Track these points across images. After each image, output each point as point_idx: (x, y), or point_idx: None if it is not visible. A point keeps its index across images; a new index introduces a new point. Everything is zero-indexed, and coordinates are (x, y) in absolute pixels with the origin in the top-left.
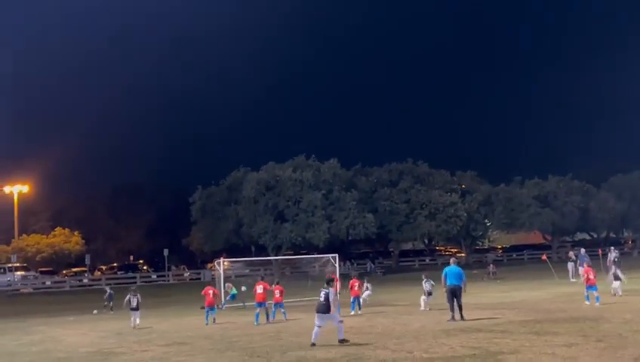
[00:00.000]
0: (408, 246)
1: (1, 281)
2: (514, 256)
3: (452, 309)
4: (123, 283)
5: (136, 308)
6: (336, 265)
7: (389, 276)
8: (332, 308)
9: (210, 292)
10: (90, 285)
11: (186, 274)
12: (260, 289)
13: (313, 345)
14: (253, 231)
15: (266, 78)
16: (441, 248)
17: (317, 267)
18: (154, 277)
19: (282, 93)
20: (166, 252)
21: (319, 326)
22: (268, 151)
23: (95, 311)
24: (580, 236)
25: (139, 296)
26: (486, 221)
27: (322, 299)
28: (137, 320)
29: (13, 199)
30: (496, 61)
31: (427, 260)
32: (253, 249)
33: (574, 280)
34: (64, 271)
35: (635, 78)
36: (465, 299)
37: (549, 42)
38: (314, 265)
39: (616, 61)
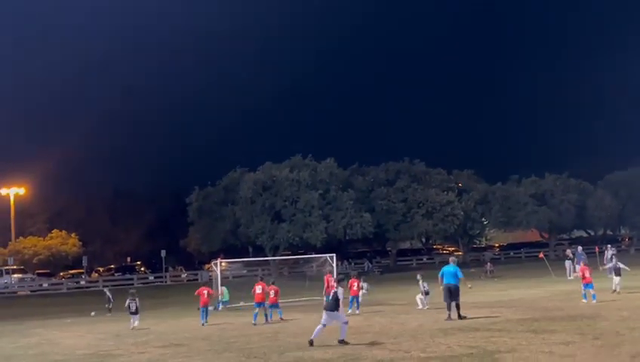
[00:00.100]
0: (406, 245)
1: None
2: (511, 254)
3: (449, 308)
4: (120, 285)
5: (135, 312)
6: (334, 264)
7: (386, 275)
8: (341, 306)
9: (205, 292)
10: (87, 287)
11: (184, 276)
12: (258, 289)
13: (311, 342)
14: (251, 232)
15: (265, 79)
16: (439, 247)
17: (314, 267)
18: (151, 278)
19: (280, 94)
20: (163, 253)
21: (324, 325)
22: (265, 151)
23: (93, 313)
24: (577, 234)
25: (137, 299)
26: (483, 219)
27: (331, 297)
28: (136, 323)
29: (9, 201)
30: (493, 61)
31: (424, 259)
32: (250, 249)
33: (571, 278)
34: (61, 274)
35: (630, 77)
36: (462, 297)
37: (548, 42)
38: (311, 265)
39: (616, 61)
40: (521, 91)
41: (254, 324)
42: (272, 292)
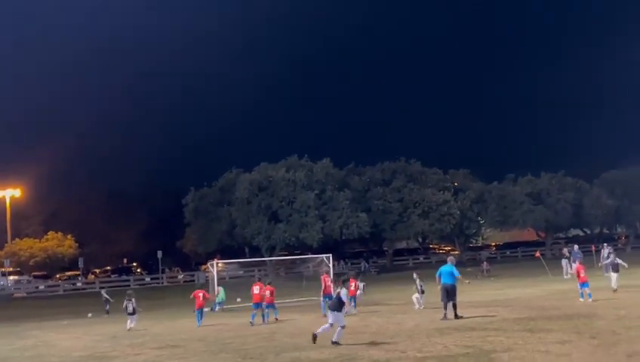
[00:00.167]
0: (402, 245)
1: None
2: (507, 253)
3: (445, 308)
4: (117, 287)
5: (132, 313)
6: (330, 264)
7: (383, 275)
8: (346, 307)
9: (200, 294)
10: (83, 289)
11: (180, 276)
12: (256, 289)
13: (314, 337)
14: (247, 232)
15: (261, 79)
16: (435, 246)
17: (311, 267)
18: (147, 279)
19: (276, 94)
20: (160, 254)
21: (331, 325)
22: (261, 152)
23: (89, 315)
24: (573, 232)
25: (133, 300)
26: (479, 219)
27: (335, 297)
28: (133, 324)
29: (5, 203)
30: (491, 60)
31: (421, 259)
32: (247, 250)
33: (568, 276)
34: (57, 275)
35: (629, 77)
36: (459, 297)
37: (546, 41)
38: (308, 265)
39: (615, 61)
40: (517, 91)
41: (251, 324)
42: (267, 293)
